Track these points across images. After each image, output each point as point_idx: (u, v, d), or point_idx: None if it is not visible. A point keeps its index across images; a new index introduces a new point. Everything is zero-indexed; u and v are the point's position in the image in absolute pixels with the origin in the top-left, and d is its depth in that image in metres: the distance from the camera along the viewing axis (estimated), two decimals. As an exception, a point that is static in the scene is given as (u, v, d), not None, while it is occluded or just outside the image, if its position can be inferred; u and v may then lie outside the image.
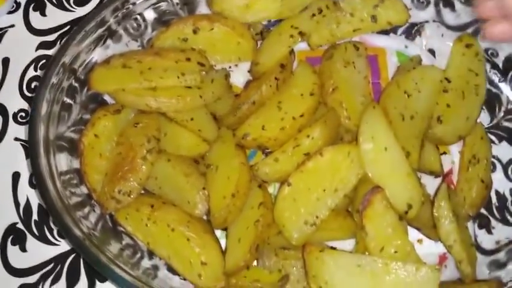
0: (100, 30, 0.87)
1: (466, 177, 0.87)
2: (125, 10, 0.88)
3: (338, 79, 0.90)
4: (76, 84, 0.87)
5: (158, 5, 0.91)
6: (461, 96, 0.89)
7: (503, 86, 0.94)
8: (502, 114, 0.93)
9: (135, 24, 0.92)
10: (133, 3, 0.88)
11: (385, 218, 0.79)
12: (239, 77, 0.96)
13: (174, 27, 0.91)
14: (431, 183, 0.88)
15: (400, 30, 0.98)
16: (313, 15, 0.89)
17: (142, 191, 0.86)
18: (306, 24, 0.89)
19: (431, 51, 0.98)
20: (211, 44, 0.92)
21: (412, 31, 0.98)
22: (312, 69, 0.90)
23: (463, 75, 0.90)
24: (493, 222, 0.89)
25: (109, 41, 0.90)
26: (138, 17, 0.91)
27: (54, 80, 0.83)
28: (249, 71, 0.94)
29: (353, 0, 0.92)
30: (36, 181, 0.80)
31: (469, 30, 0.95)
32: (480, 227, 0.89)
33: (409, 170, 0.80)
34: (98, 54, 0.89)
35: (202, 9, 0.95)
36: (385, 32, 0.98)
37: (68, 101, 0.87)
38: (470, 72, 0.90)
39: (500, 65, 0.93)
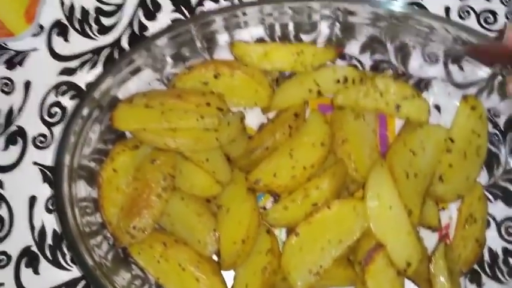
0: (127, 69, 0.91)
1: (462, 235, 0.92)
2: (152, 53, 0.91)
3: (348, 130, 0.94)
4: (99, 117, 0.91)
5: (183, 47, 0.95)
6: (463, 157, 0.93)
7: (502, 147, 0.99)
8: (500, 173, 0.98)
9: (157, 62, 0.95)
10: (161, 46, 0.91)
11: (385, 274, 0.83)
12: (253, 119, 1.00)
13: (196, 71, 0.95)
14: (428, 237, 0.93)
15: (409, 84, 1.02)
16: (338, 81, 0.94)
17: (155, 226, 0.90)
18: (327, 86, 0.94)
19: (437, 107, 1.02)
20: (230, 88, 0.96)
21: (420, 85, 1.02)
22: (323, 119, 0.94)
23: (466, 136, 0.94)
24: (484, 278, 0.94)
25: (133, 78, 0.93)
26: (162, 56, 0.94)
27: (84, 113, 0.87)
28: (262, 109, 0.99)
29: (389, 83, 0.95)
30: (57, 208, 0.83)
31: (474, 89, 0.99)
32: (471, 281, 0.94)
33: (410, 229, 0.85)
34: (120, 91, 0.92)
35: (222, 53, 0.99)
36: (394, 85, 1.03)
37: (90, 132, 0.90)
38: (474, 133, 0.94)
39: (502, 126, 0.98)
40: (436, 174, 0.93)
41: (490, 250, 0.95)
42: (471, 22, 1.06)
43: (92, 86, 0.87)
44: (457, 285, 0.89)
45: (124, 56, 0.89)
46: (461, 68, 0.98)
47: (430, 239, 0.93)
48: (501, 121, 0.98)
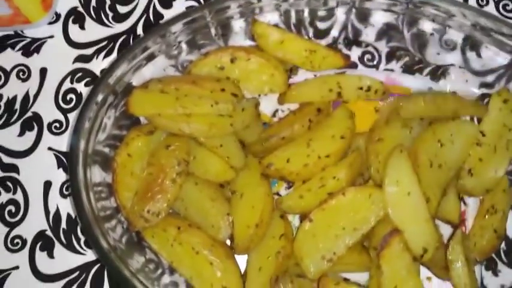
0: (142, 56, 0.91)
1: (481, 225, 0.91)
2: (167, 39, 0.91)
3: (389, 132, 0.92)
4: (114, 103, 0.91)
5: (197, 33, 0.95)
6: (493, 151, 0.92)
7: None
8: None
9: (172, 49, 0.95)
10: (175, 32, 0.91)
11: (400, 259, 0.83)
12: (268, 106, 1.00)
13: (213, 56, 0.95)
14: (443, 225, 0.92)
15: (425, 71, 1.01)
16: (361, 88, 0.94)
17: (169, 211, 0.90)
18: (348, 91, 0.94)
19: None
20: (246, 74, 0.95)
21: (438, 73, 1.01)
22: (349, 114, 0.94)
23: (498, 130, 0.93)
24: (500, 265, 0.93)
25: (148, 65, 0.93)
26: (177, 43, 0.94)
27: (98, 99, 0.87)
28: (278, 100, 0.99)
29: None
30: (73, 193, 0.84)
31: (492, 77, 0.97)
32: (487, 269, 0.93)
33: (427, 216, 0.84)
34: (135, 77, 0.93)
35: (237, 39, 0.98)
36: (411, 72, 1.02)
37: (105, 118, 0.91)
38: (505, 127, 0.93)
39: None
40: (465, 168, 0.92)
41: (507, 237, 0.94)
42: (490, 9, 1.05)
43: (106, 72, 0.87)
44: (472, 274, 0.88)
45: (138, 42, 0.89)
46: (479, 55, 0.97)
47: (445, 226, 0.92)
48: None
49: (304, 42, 0.97)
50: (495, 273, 0.93)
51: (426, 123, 0.94)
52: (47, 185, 0.99)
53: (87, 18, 1.07)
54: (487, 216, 0.92)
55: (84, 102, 0.86)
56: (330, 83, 0.95)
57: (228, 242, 0.90)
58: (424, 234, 0.84)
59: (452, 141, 0.91)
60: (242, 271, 0.89)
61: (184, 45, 0.96)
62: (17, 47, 1.06)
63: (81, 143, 0.85)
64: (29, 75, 1.05)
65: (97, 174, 0.89)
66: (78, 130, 0.85)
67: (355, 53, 1.02)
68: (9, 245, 0.96)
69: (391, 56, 1.02)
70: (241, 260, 0.89)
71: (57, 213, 0.98)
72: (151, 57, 0.93)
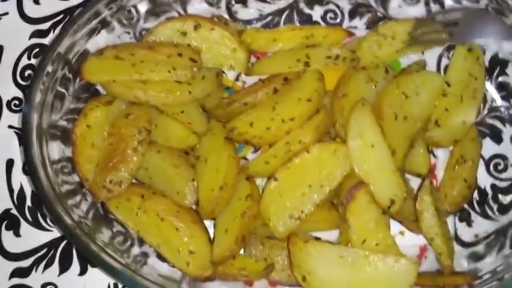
0: (94, 22, 0.88)
1: (451, 175, 0.90)
2: (119, 2, 0.89)
3: (353, 88, 0.91)
4: (69, 74, 0.89)
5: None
6: (460, 100, 0.91)
7: (488, 84, 0.96)
8: (486, 111, 0.96)
9: (128, 16, 0.93)
10: (127, -4, 0.89)
11: (367, 212, 0.81)
12: (230, 71, 0.97)
13: (176, 20, 0.93)
14: (414, 179, 0.91)
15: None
16: (329, 57, 0.92)
17: (133, 181, 0.89)
18: (316, 60, 0.92)
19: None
20: (208, 44, 0.93)
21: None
22: (319, 76, 0.91)
23: (463, 80, 0.92)
24: (473, 215, 0.92)
25: (102, 32, 0.91)
26: (132, 9, 0.92)
27: (49, 69, 0.85)
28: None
29: (391, 25, 0.95)
30: (29, 169, 0.82)
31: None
32: (461, 220, 0.92)
33: (393, 167, 0.83)
34: (91, 45, 0.90)
35: (195, 3, 0.96)
36: (374, 28, 1.00)
37: (61, 90, 0.88)
38: (470, 76, 0.92)
39: (487, 64, 0.95)
40: (431, 119, 0.90)
41: (479, 188, 0.93)
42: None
43: (54, 40, 0.85)
44: (443, 224, 0.87)
45: (88, 7, 0.86)
46: (442, 6, 0.95)
47: (414, 179, 0.91)
48: (486, 58, 0.95)
49: (297, 31, 0.95)
50: (469, 223, 0.92)
51: (391, 77, 0.93)
52: (9, 163, 0.97)
53: (42, -8, 1.05)
54: (456, 167, 0.91)
55: (34, 74, 0.83)
56: (297, 55, 0.93)
57: (195, 208, 0.88)
58: (390, 185, 0.82)
59: (417, 92, 0.90)
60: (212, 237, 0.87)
61: (141, 12, 0.94)
62: (-29, 27, 1.04)
63: (34, 116, 0.83)
64: (-15, 54, 1.02)
65: (56, 149, 0.87)
66: (29, 103, 0.82)
67: (317, 12, 1.00)
68: (-26, 226, 0.95)
69: (353, 13, 1.00)
70: (211, 226, 0.88)
71: (21, 191, 0.96)
72: (105, 24, 0.90)
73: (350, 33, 0.97)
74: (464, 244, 0.91)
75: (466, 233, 0.92)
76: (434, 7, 0.96)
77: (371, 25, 1.00)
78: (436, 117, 0.91)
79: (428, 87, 0.91)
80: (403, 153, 0.87)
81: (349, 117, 0.85)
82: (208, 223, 0.88)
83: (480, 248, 0.90)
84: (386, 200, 0.82)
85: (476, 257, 0.89)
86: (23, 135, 0.82)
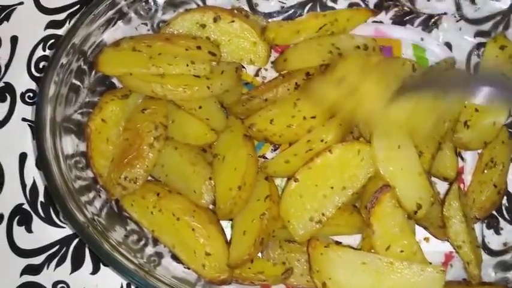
0: (111, 12, 0.85)
1: (480, 180, 0.86)
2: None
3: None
4: (85, 66, 0.86)
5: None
6: None
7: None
8: (517, 112, 0.91)
9: (146, 7, 0.90)
10: (145, -14, 0.86)
11: (393, 217, 0.78)
12: (250, 66, 0.94)
13: (196, 11, 0.90)
14: (440, 182, 0.87)
15: (416, 22, 0.96)
16: (358, 47, 0.89)
17: (149, 178, 0.86)
18: (347, 50, 0.89)
19: (448, 45, 0.95)
20: (227, 37, 0.90)
21: (429, 23, 0.95)
22: None
23: None
24: (502, 223, 0.88)
25: (119, 24, 0.88)
26: (150, 0, 0.89)
27: (63, 60, 0.82)
28: (272, 62, 0.94)
29: None
30: (41, 164, 0.79)
31: (488, 24, 0.92)
32: (489, 227, 0.88)
33: (420, 169, 0.79)
34: (107, 37, 0.87)
35: (215, -3, 0.93)
36: (401, 23, 0.96)
37: (76, 83, 0.85)
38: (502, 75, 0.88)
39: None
40: (461, 120, 0.86)
41: (508, 194, 0.89)
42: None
43: (69, 30, 0.81)
44: (471, 232, 0.83)
45: (104, -3, 0.83)
46: (473, 1, 0.91)
47: (441, 184, 0.87)
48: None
49: (321, 18, 0.91)
50: (497, 231, 0.88)
51: (418, 74, 0.89)
52: (23, 157, 0.95)
53: (58, -19, 1.02)
54: (485, 171, 0.87)
55: (48, 65, 0.80)
56: (325, 45, 0.89)
57: (212, 207, 0.85)
58: (417, 189, 0.79)
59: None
60: (229, 238, 0.84)
61: (159, 3, 0.90)
62: (-14, 16, 1.01)
63: (48, 109, 0.80)
64: (0, 44, 1.00)
65: (70, 143, 0.84)
66: (42, 95, 0.79)
67: (341, 6, 0.96)
68: (-14, 221, 0.93)
69: (379, 7, 0.95)
70: (228, 226, 0.85)
71: (34, 186, 0.94)
72: (121, 15, 0.87)
73: (374, 11, 0.94)
74: (492, 252, 0.87)
75: (494, 241, 0.87)
76: (464, 2, 0.92)
77: (397, 20, 0.96)
78: (465, 118, 0.87)
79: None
80: (430, 155, 0.83)
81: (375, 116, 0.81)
82: (225, 223, 0.86)
83: (509, 257, 0.86)
84: (412, 204, 0.78)
85: (505, 267, 0.85)
86: (35, 128, 0.79)
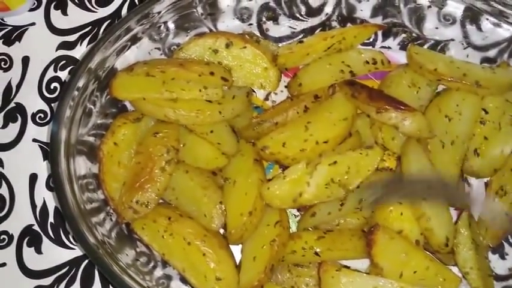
0: (125, 38, 0.86)
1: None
2: (150, 19, 0.87)
3: (395, 92, 0.89)
4: (97, 90, 0.87)
5: (183, 13, 0.90)
6: (498, 128, 0.88)
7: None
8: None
9: (158, 31, 0.91)
10: (159, 12, 0.87)
11: (394, 248, 0.79)
12: (260, 91, 0.96)
13: (208, 37, 0.91)
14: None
15: (424, 47, 0.97)
16: (367, 62, 0.91)
17: (160, 201, 0.86)
18: (358, 67, 0.91)
19: (455, 71, 0.96)
20: (239, 62, 0.92)
21: (437, 48, 0.96)
22: (349, 97, 0.89)
23: (500, 106, 0.89)
24: (507, 248, 0.89)
25: (133, 48, 0.89)
26: (162, 25, 0.90)
27: (79, 84, 0.83)
28: (286, 86, 0.95)
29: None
30: (55, 185, 0.80)
31: (494, 51, 0.93)
32: (494, 252, 0.89)
33: (447, 205, 0.81)
34: (119, 62, 0.88)
35: (226, 19, 0.94)
36: (409, 49, 0.97)
37: (90, 106, 0.86)
38: (507, 102, 0.89)
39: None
40: (470, 149, 0.87)
41: (514, 220, 0.89)
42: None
43: (86, 55, 0.83)
44: (483, 260, 0.84)
45: (120, 23, 0.84)
46: (479, 28, 0.92)
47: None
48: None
49: (329, 39, 0.92)
50: (502, 256, 0.89)
51: (435, 84, 0.91)
52: (33, 177, 0.95)
53: (70, 3, 1.03)
54: (496, 199, 0.87)
55: (64, 89, 0.81)
56: (335, 64, 0.91)
57: (222, 231, 0.86)
58: (446, 223, 0.80)
59: (459, 112, 0.87)
60: (238, 262, 0.85)
61: (170, 27, 0.92)
62: (-2, 36, 1.02)
63: (63, 132, 0.81)
64: (11, 65, 1.01)
65: (83, 165, 0.85)
66: (58, 118, 0.81)
67: (350, 29, 0.98)
68: (-5, 242, 0.93)
69: (387, 33, 0.97)
70: (237, 250, 0.85)
71: (44, 206, 0.94)
72: (135, 40, 0.88)
73: (381, 26, 0.95)
74: (497, 278, 0.87)
75: (499, 266, 0.88)
76: (471, 29, 0.93)
77: (405, 45, 0.97)
78: (475, 146, 0.88)
79: (469, 102, 0.88)
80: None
81: (402, 154, 0.84)
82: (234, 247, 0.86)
83: (514, 282, 0.87)
84: (443, 238, 0.80)
85: (511, 291, 0.86)
86: (50, 151, 0.80)
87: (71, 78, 0.82)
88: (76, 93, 0.82)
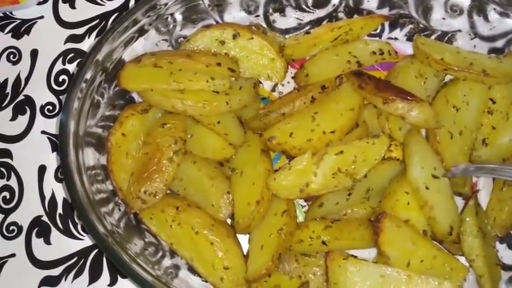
0: (132, 30, 0.87)
1: (499, 198, 0.87)
2: (157, 10, 0.87)
3: (402, 82, 0.89)
4: (105, 82, 0.88)
5: (190, 5, 0.91)
6: (506, 118, 0.88)
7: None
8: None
9: (165, 23, 0.91)
10: (166, 4, 0.87)
11: (401, 237, 0.79)
12: (267, 82, 0.96)
13: (215, 28, 0.91)
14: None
15: (431, 38, 0.97)
16: (374, 53, 0.92)
17: (168, 191, 0.87)
18: (364, 58, 0.91)
19: (463, 62, 0.96)
20: (246, 53, 0.92)
21: (444, 39, 0.96)
22: (356, 88, 0.89)
23: (508, 96, 0.89)
24: (515, 238, 0.89)
25: (140, 40, 0.89)
26: (169, 16, 0.91)
27: (87, 76, 0.83)
28: (292, 77, 0.95)
29: None
30: (64, 176, 0.80)
31: (502, 42, 0.93)
32: (501, 242, 0.88)
33: (452, 194, 0.81)
34: (127, 53, 0.89)
35: (233, 10, 0.94)
36: (416, 40, 0.97)
37: (98, 97, 0.87)
38: None
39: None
40: (478, 139, 0.87)
41: (522, 209, 0.89)
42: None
43: (93, 47, 0.83)
44: (490, 248, 0.84)
45: (127, 15, 0.85)
46: (486, 19, 0.92)
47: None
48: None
49: (336, 30, 0.92)
50: (510, 246, 0.89)
51: (442, 75, 0.91)
52: (42, 169, 0.96)
53: (78, -4, 1.04)
54: (504, 189, 0.87)
55: (72, 81, 0.82)
56: (342, 55, 0.91)
57: (229, 221, 0.87)
58: (450, 212, 0.80)
59: (466, 102, 0.87)
60: (245, 251, 0.85)
61: (178, 19, 0.92)
62: (7, 29, 1.03)
63: (71, 124, 0.82)
64: (20, 58, 1.02)
65: (91, 156, 0.86)
66: (67, 110, 0.81)
67: (357, 20, 0.98)
68: (5, 232, 0.94)
69: (394, 24, 0.97)
70: (244, 240, 0.86)
71: (53, 198, 0.95)
72: (142, 31, 0.89)
73: (387, 17, 0.95)
74: (505, 267, 0.87)
75: (507, 256, 0.88)
76: (478, 20, 0.93)
77: (411, 36, 0.97)
78: (483, 135, 0.88)
79: (477, 92, 0.88)
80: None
81: (404, 146, 0.84)
82: (241, 236, 0.86)
83: (521, 271, 0.87)
84: (447, 226, 0.80)
85: (518, 281, 0.86)
86: (59, 142, 0.81)
87: (78, 70, 0.82)
88: (84, 85, 0.83)
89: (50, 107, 0.99)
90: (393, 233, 0.79)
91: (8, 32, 1.03)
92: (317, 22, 0.98)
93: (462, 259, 0.84)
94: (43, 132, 0.98)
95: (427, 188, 0.80)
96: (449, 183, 0.82)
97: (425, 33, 0.96)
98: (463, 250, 0.83)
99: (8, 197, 0.95)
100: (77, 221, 0.94)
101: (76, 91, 0.82)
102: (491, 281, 0.82)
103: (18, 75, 1.01)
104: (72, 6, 1.04)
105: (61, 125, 0.81)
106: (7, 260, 0.93)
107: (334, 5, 0.96)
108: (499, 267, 0.84)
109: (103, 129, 0.89)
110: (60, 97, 0.99)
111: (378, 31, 0.98)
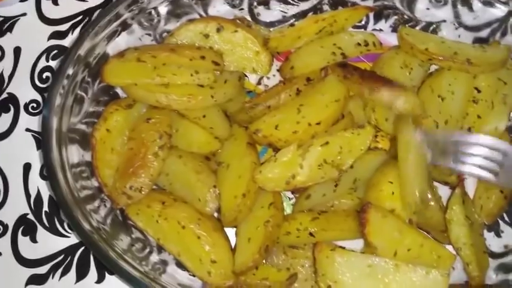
0: (115, 24, 0.86)
1: (486, 186, 0.87)
2: (139, 4, 0.87)
3: (387, 72, 0.90)
4: (89, 77, 0.87)
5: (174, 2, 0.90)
6: (491, 107, 0.88)
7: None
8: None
9: (148, 18, 0.91)
10: (148, -3, 0.87)
11: (387, 227, 0.79)
12: (252, 75, 0.95)
13: (198, 22, 0.91)
14: (443, 188, 0.89)
15: (416, 29, 0.97)
16: (359, 44, 0.92)
17: (154, 187, 0.87)
18: (349, 49, 0.91)
19: (448, 52, 0.96)
20: (230, 46, 0.91)
21: (429, 30, 0.96)
22: (341, 79, 0.89)
23: (492, 85, 0.89)
24: (502, 225, 0.89)
25: (123, 34, 0.89)
26: (153, 11, 0.90)
27: (69, 72, 0.83)
28: (278, 70, 0.95)
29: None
30: (48, 173, 0.80)
31: (486, 31, 0.93)
32: (489, 230, 0.89)
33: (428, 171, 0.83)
34: (111, 48, 0.88)
35: (217, 4, 0.94)
36: (400, 31, 0.97)
37: (81, 93, 0.86)
38: (499, 81, 0.89)
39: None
40: (463, 128, 0.88)
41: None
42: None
43: (75, 42, 0.82)
44: (477, 237, 0.84)
45: (108, 9, 0.84)
46: (471, 9, 0.92)
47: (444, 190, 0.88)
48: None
49: (320, 22, 0.92)
50: (498, 233, 0.89)
51: (427, 65, 0.91)
52: (27, 167, 0.96)
53: (60, -7, 1.03)
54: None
55: (54, 77, 0.81)
56: (327, 47, 0.91)
57: (216, 215, 0.86)
58: (420, 181, 0.81)
59: (452, 91, 0.87)
60: (233, 245, 0.85)
61: (162, 13, 0.91)
62: (-11, 27, 1.02)
63: (54, 120, 0.81)
64: (3, 55, 1.01)
65: (76, 153, 0.85)
66: (48, 107, 0.80)
67: (342, 12, 0.98)
68: (-10, 231, 0.93)
69: (379, 15, 0.97)
70: (232, 233, 0.85)
71: (39, 196, 0.94)
72: (125, 26, 0.88)
73: (372, 8, 0.95)
74: (493, 255, 0.88)
75: (494, 244, 0.88)
76: (462, 9, 0.93)
77: (396, 27, 0.97)
78: (469, 124, 0.88)
79: (461, 81, 0.88)
80: None
81: (397, 135, 0.84)
82: (229, 230, 0.86)
83: (510, 259, 0.87)
84: (414, 195, 0.80)
85: (506, 269, 0.86)
86: (42, 139, 0.80)
87: (60, 66, 0.82)
88: (66, 81, 0.82)
89: (34, 105, 0.98)
90: (379, 223, 0.79)
91: (-10, 30, 1.02)
92: (302, 15, 0.98)
93: (450, 247, 0.84)
94: (27, 129, 0.97)
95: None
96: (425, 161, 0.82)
97: (410, 24, 0.96)
98: (450, 238, 0.83)
99: (-7, 195, 0.95)
100: (63, 218, 0.93)
101: (58, 87, 0.81)
102: (479, 268, 0.82)
103: (2, 73, 1.00)
104: (55, 3, 1.03)
105: (43, 121, 0.80)
106: (-7, 259, 0.92)
107: (318, -3, 0.96)
108: (486, 255, 0.84)
109: (87, 125, 0.88)
110: (44, 94, 0.99)
111: (363, 23, 0.98)
